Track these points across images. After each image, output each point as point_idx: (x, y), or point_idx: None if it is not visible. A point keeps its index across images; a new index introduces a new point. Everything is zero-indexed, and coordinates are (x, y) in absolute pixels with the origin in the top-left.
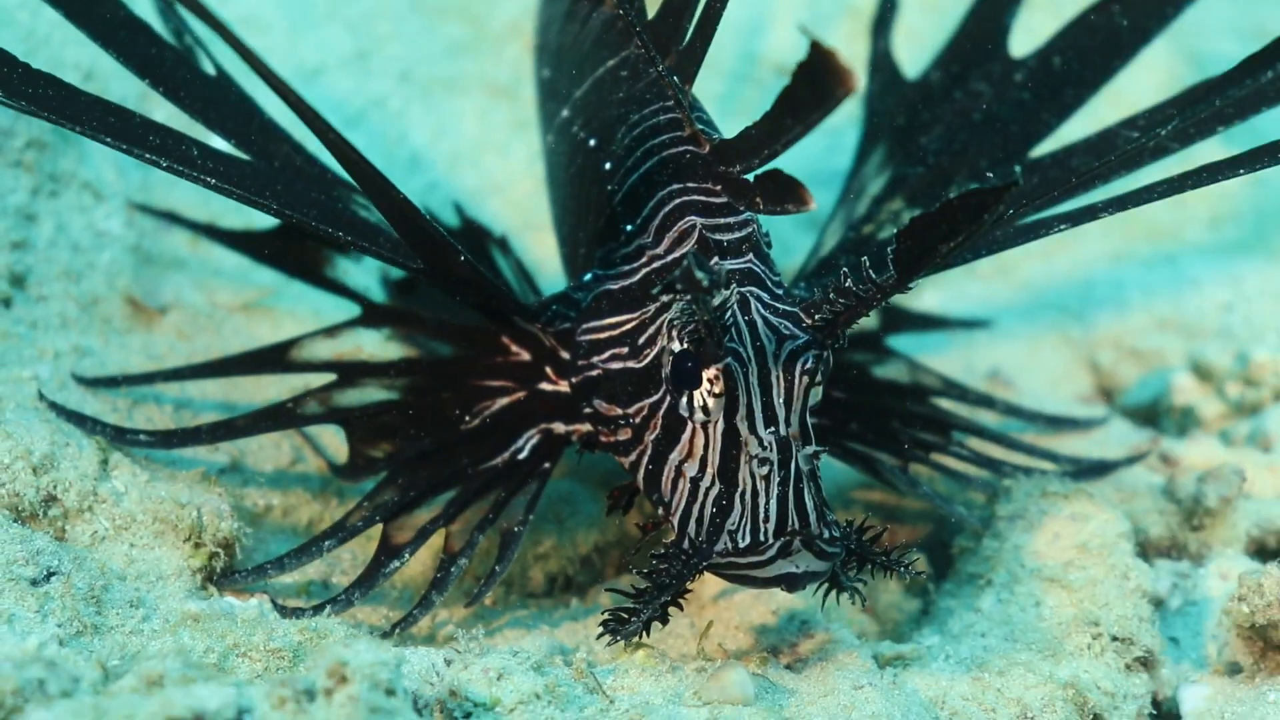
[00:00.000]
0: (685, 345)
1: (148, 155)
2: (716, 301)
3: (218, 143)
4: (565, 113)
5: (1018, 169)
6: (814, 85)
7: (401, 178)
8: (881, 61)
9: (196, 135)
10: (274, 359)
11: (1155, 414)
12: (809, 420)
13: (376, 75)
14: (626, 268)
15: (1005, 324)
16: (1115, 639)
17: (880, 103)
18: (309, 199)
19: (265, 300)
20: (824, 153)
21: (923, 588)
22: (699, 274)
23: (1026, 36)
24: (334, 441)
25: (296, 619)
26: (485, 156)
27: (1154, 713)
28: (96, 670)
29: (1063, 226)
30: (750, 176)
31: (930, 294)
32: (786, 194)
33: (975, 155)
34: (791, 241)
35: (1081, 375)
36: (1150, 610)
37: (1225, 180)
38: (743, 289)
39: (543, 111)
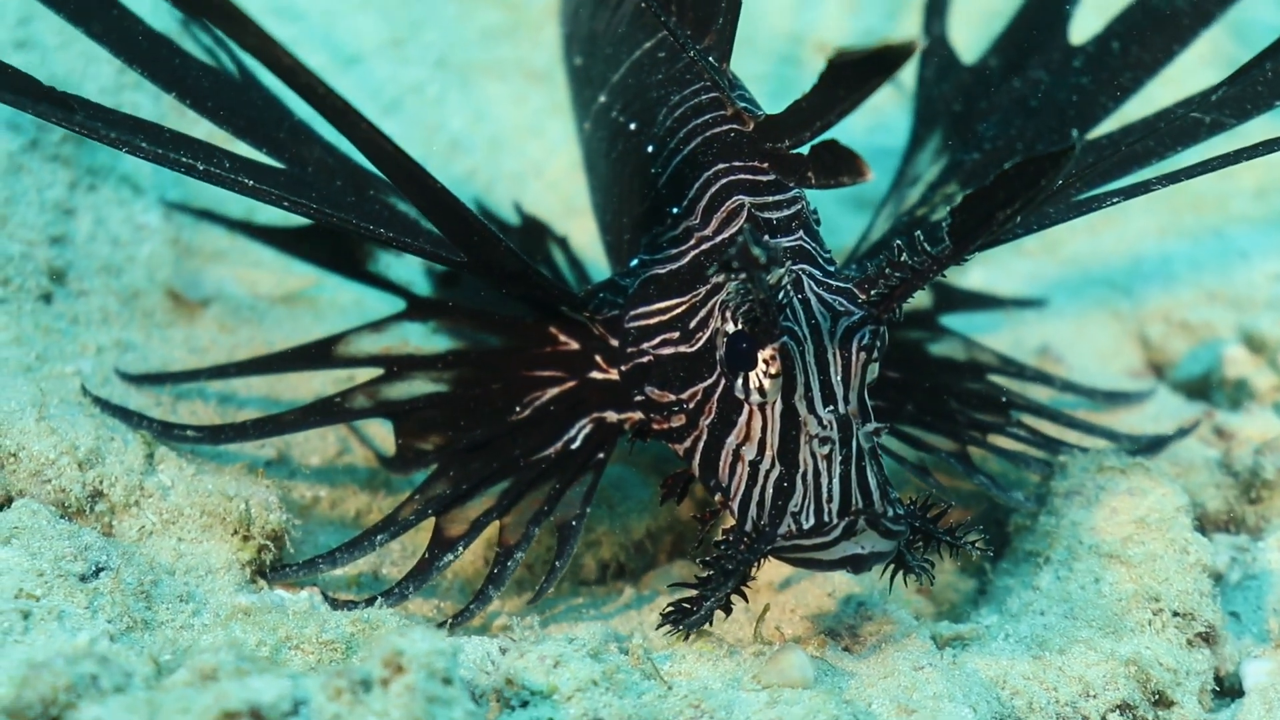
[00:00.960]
0: (739, 326)
1: (182, 167)
2: (773, 279)
3: (246, 150)
4: (603, 98)
5: (1075, 133)
6: (866, 57)
7: (441, 164)
8: (936, 45)
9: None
10: (320, 355)
11: (1207, 387)
12: (867, 397)
13: (413, 62)
14: (674, 250)
15: (1053, 301)
16: (1176, 614)
17: (935, 88)
18: (346, 200)
19: (307, 291)
20: (867, 131)
21: (979, 567)
22: (756, 251)
23: (1087, 21)
24: (381, 433)
25: (349, 611)
26: (524, 141)
27: (1216, 689)
28: (149, 665)
29: (1115, 200)
30: (801, 150)
31: (976, 272)
32: (842, 166)
33: (1032, 140)
34: (838, 222)
35: (1131, 350)
36: (1210, 585)
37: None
38: (795, 266)
39: (578, 100)
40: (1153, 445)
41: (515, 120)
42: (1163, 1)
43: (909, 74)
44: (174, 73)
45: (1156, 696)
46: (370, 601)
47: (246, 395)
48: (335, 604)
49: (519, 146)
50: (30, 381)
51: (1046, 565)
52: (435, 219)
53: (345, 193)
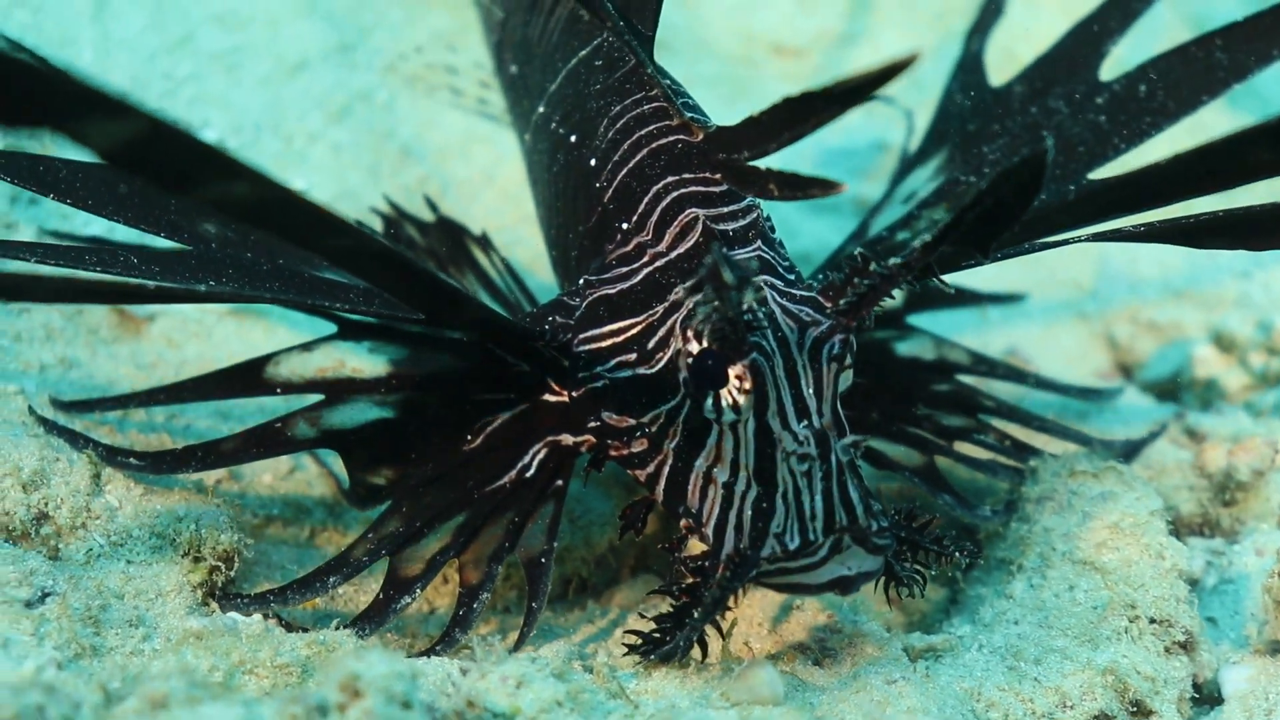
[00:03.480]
0: (705, 344)
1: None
2: (745, 299)
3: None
4: (541, 109)
5: (1047, 136)
6: (844, 84)
7: (390, 172)
8: (971, 63)
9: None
10: (249, 380)
11: (1176, 388)
12: (840, 409)
13: (361, 68)
14: (625, 269)
15: (1020, 302)
16: (1153, 621)
17: (956, 104)
18: (261, 269)
19: (256, 305)
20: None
21: (950, 575)
22: (726, 274)
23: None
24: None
25: (304, 634)
26: (474, 148)
27: (1195, 696)
28: (98, 693)
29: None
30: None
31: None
32: (810, 179)
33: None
34: (797, 226)
35: (1098, 351)
36: (1187, 590)
37: None
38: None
39: (516, 110)
40: (1128, 452)
41: (465, 127)
42: (1202, 51)
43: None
44: (40, 177)
45: (1135, 706)
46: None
47: (195, 409)
48: (290, 627)
49: (470, 154)
50: None
51: (1019, 573)
52: (407, 298)
53: (259, 262)
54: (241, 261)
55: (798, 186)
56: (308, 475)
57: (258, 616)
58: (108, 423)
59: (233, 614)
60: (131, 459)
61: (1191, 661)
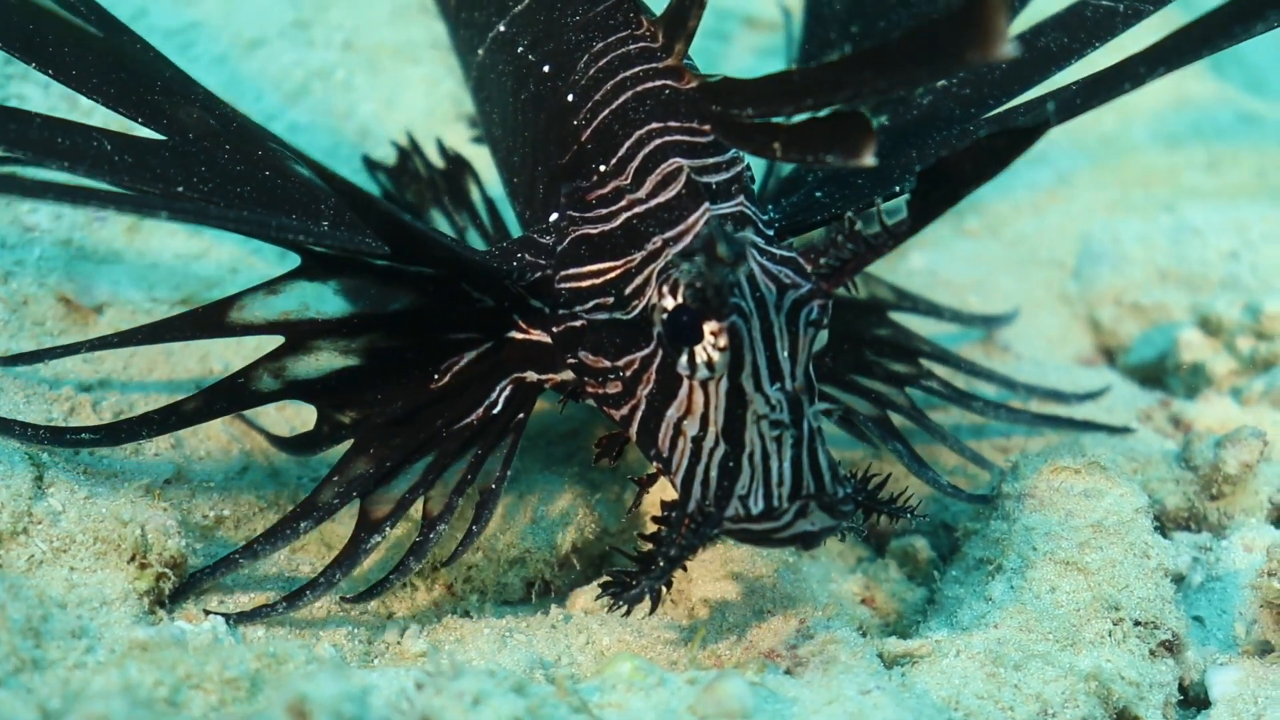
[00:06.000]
0: (680, 300)
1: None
2: (737, 272)
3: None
4: (502, 27)
5: (1050, 105)
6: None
7: (351, 152)
8: None
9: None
10: (212, 321)
11: (1161, 372)
12: (812, 372)
13: (319, 45)
14: (604, 211)
15: (998, 283)
16: (1138, 623)
17: (829, 5)
18: (236, 170)
19: (207, 293)
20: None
21: (927, 574)
22: (723, 247)
23: None
24: (274, 419)
25: (252, 646)
26: (438, 127)
27: (1180, 698)
28: (35, 714)
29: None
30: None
31: (917, 255)
32: (828, 139)
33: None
34: None
35: (1081, 334)
36: (1172, 590)
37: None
38: (739, 235)
39: (462, 18)
40: (1079, 425)
41: (427, 106)
42: None
43: None
44: (28, 38)
45: (1119, 712)
46: (297, 594)
47: (146, 406)
48: (246, 617)
49: (433, 133)
50: None
51: (999, 574)
52: (374, 227)
53: (235, 162)
54: (216, 160)
55: (811, 148)
56: (258, 473)
57: (207, 625)
58: (53, 421)
59: (181, 623)
60: (84, 434)
61: (1178, 663)
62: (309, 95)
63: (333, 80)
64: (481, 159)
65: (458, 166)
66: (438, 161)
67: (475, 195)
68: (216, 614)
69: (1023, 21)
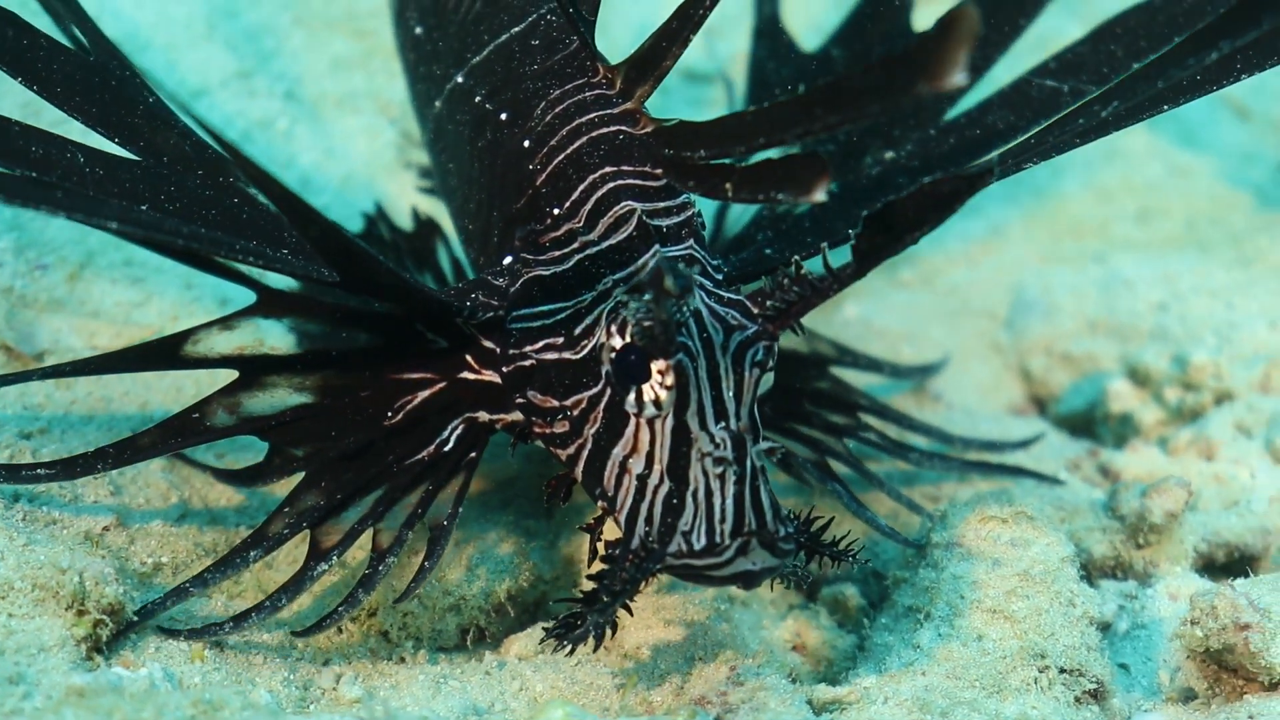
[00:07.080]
0: (628, 339)
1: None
2: (684, 307)
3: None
4: (460, 79)
5: (994, 156)
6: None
7: None
8: (768, 27)
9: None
10: (166, 354)
11: (1091, 422)
12: (757, 413)
13: (261, 95)
14: (557, 253)
15: (930, 333)
16: (1063, 671)
17: (774, 74)
18: (205, 195)
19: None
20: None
21: (857, 621)
22: (669, 281)
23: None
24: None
25: (188, 693)
26: (378, 176)
27: None
28: None
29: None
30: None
31: (851, 305)
32: (779, 179)
33: (887, 124)
34: None
35: (1013, 384)
36: (1098, 638)
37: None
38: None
39: (421, 74)
40: (1007, 470)
41: (368, 155)
42: None
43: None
44: (18, 53)
45: None
46: (244, 616)
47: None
48: (194, 634)
49: (372, 182)
50: None
51: (927, 622)
52: (318, 247)
53: (204, 187)
54: (186, 186)
55: (763, 187)
56: (198, 520)
57: (144, 671)
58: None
59: (118, 669)
60: (39, 469)
61: (1103, 711)
62: (251, 144)
63: (274, 130)
64: (433, 208)
65: (428, 229)
66: (407, 226)
67: (443, 257)
68: (164, 629)
69: (973, 97)
